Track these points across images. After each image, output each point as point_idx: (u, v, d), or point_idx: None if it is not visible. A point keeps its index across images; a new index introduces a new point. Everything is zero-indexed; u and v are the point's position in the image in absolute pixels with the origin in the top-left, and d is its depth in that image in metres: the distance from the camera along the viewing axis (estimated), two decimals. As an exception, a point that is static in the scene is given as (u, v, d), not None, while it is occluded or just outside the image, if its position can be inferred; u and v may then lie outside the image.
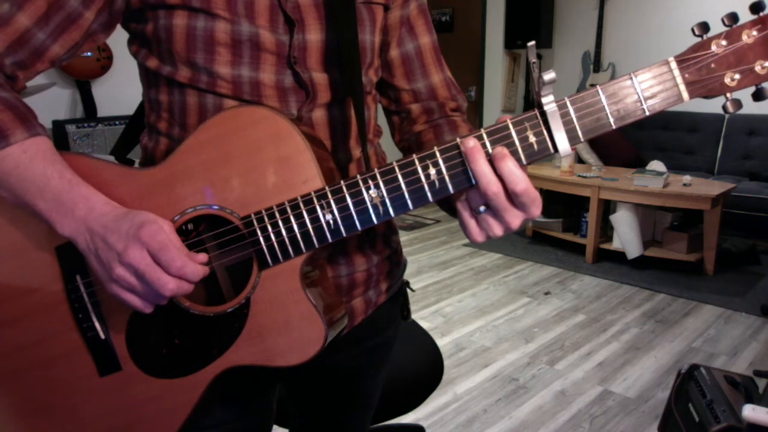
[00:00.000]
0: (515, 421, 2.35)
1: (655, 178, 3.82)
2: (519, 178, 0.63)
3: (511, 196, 0.64)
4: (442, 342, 2.98)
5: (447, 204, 0.78)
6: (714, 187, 3.81)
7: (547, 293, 3.65)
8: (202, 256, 0.69)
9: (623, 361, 2.81)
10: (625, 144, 4.95)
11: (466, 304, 3.48)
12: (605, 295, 3.61)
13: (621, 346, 2.97)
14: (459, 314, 3.34)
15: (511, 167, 0.63)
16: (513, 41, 5.71)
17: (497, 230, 0.67)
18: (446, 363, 1.84)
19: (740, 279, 3.81)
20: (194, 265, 0.67)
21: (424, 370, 1.60)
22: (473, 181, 0.66)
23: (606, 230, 4.25)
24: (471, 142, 0.65)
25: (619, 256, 4.06)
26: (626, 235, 3.93)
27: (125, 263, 0.65)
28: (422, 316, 3.29)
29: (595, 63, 5.53)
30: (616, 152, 4.83)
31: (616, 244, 4.07)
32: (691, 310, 3.39)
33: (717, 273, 3.86)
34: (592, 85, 0.65)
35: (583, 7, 5.66)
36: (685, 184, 3.84)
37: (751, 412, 1.45)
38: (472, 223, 0.68)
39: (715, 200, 3.63)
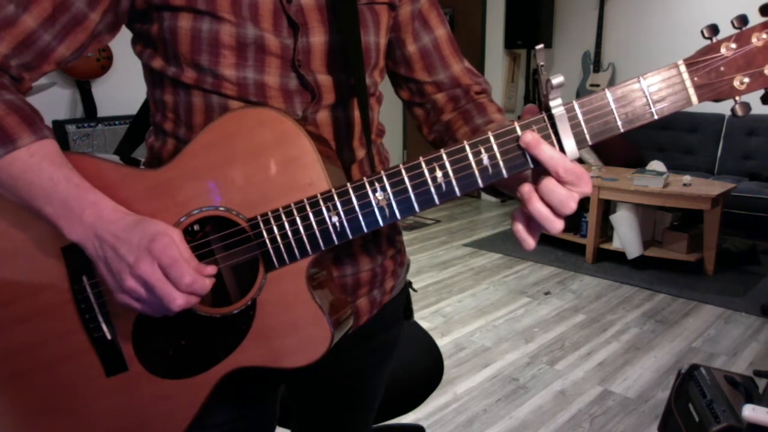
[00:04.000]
0: (515, 421, 2.36)
1: (655, 178, 3.82)
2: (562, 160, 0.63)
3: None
4: (442, 342, 2.98)
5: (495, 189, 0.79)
6: (714, 187, 3.82)
7: (547, 293, 3.65)
8: (212, 269, 0.69)
9: (623, 361, 2.82)
10: (625, 144, 4.95)
11: (466, 304, 3.48)
12: (605, 295, 3.62)
13: (621, 346, 2.97)
14: (459, 314, 3.34)
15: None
16: (513, 41, 5.71)
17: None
18: (446, 363, 1.84)
19: (740, 279, 3.82)
20: (203, 280, 0.67)
21: (424, 370, 1.60)
22: (479, 184, 0.66)
23: (606, 230, 4.25)
24: (529, 136, 0.64)
25: (619, 256, 4.06)
26: (626, 235, 3.93)
27: (136, 275, 0.65)
28: (422, 316, 3.29)
29: (595, 63, 5.53)
30: (616, 152, 4.83)
31: (616, 244, 4.07)
32: (691, 310, 3.40)
33: (717, 273, 3.86)
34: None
35: (583, 7, 5.66)
36: (685, 184, 3.84)
37: (751, 412, 1.45)
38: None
39: (715, 200, 3.63)
